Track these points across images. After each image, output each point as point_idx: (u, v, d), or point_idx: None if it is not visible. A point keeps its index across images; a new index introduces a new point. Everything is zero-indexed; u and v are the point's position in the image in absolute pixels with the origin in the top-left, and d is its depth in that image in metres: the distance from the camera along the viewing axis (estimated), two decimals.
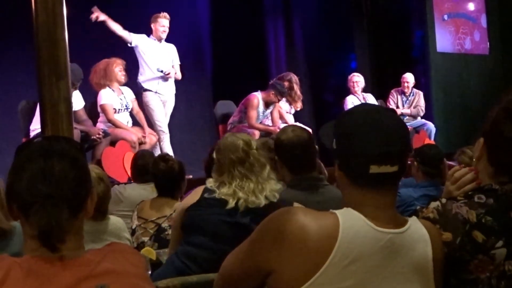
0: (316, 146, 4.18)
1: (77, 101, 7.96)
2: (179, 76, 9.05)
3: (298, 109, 10.19)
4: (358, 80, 10.72)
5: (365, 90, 10.83)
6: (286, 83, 9.72)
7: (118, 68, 8.57)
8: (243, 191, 3.52)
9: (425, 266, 2.00)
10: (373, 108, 2.12)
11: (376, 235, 1.94)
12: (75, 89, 7.89)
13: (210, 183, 3.64)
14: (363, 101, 10.35)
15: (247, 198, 3.51)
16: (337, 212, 1.97)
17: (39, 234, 1.74)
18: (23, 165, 1.83)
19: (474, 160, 2.29)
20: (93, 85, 8.61)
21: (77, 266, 1.78)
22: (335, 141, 2.06)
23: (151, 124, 8.84)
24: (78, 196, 1.84)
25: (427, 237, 2.01)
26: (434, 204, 2.17)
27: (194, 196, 3.65)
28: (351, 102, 10.46)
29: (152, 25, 8.89)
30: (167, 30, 8.93)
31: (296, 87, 9.96)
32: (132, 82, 8.90)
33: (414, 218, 2.06)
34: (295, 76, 10.05)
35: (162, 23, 8.87)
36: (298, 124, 9.42)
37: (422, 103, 11.00)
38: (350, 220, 1.94)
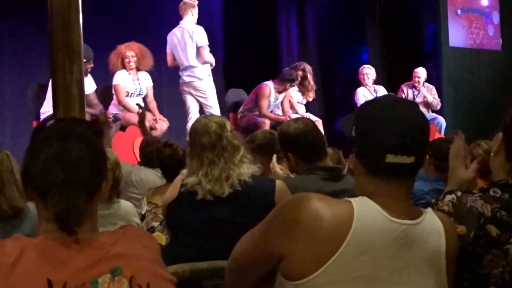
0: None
1: (89, 85, 7.97)
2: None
3: (311, 99, 10.16)
4: (368, 72, 10.69)
5: (376, 82, 10.79)
6: (299, 73, 9.71)
7: (125, 55, 8.57)
8: (207, 180, 3.40)
9: (438, 259, 2.00)
10: (395, 99, 2.12)
11: (390, 226, 1.93)
12: (89, 65, 7.93)
13: (183, 175, 3.54)
14: (374, 94, 10.32)
15: (211, 188, 3.38)
16: (352, 200, 1.96)
17: (56, 218, 1.74)
18: (40, 147, 1.82)
19: (491, 154, 2.29)
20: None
21: (91, 248, 1.78)
22: (354, 129, 2.05)
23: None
24: (95, 180, 1.84)
25: (442, 229, 2.01)
26: (449, 197, 2.17)
27: (172, 190, 3.54)
28: (362, 94, 10.43)
29: (191, 11, 8.85)
30: None
31: (310, 77, 9.93)
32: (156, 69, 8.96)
33: (429, 210, 2.06)
34: (309, 66, 10.02)
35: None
36: (308, 114, 9.45)
37: (437, 97, 10.93)
38: (365, 209, 1.94)
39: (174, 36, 8.90)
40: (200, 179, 3.41)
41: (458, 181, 2.49)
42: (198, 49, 8.77)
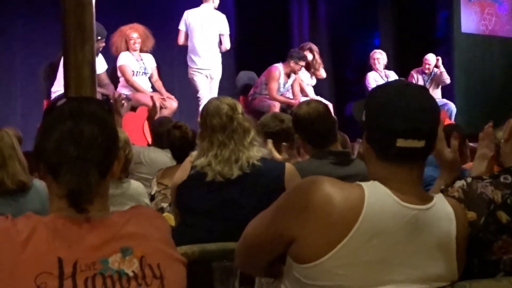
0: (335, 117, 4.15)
1: (100, 64, 7.94)
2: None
3: (323, 77, 10.16)
4: (379, 57, 10.66)
5: (387, 67, 10.77)
6: (307, 52, 9.73)
7: (130, 37, 8.56)
8: (217, 161, 3.39)
9: (448, 244, 2.00)
10: (406, 84, 2.12)
11: (401, 211, 1.93)
12: (101, 43, 7.92)
13: (192, 157, 3.53)
14: (385, 78, 10.29)
15: (221, 169, 3.38)
16: (364, 184, 1.96)
17: (68, 195, 1.74)
18: (53, 126, 1.82)
19: (502, 141, 2.29)
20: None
21: (102, 227, 1.78)
22: (364, 113, 2.05)
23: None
24: (107, 159, 1.84)
25: (452, 215, 2.01)
26: (459, 183, 2.17)
27: (182, 172, 3.54)
28: (372, 78, 10.41)
29: None
30: None
31: (317, 56, 9.98)
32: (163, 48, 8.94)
33: (440, 195, 2.05)
34: (315, 46, 10.08)
35: None
36: (318, 98, 9.43)
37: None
38: (376, 193, 1.94)
39: (194, 17, 8.77)
40: (210, 160, 3.41)
41: (446, 165, 2.51)
42: (220, 36, 8.78)
